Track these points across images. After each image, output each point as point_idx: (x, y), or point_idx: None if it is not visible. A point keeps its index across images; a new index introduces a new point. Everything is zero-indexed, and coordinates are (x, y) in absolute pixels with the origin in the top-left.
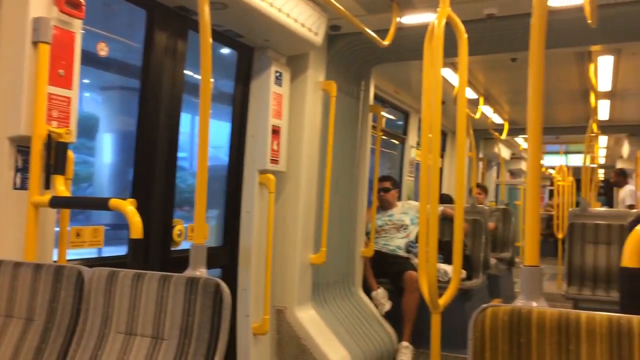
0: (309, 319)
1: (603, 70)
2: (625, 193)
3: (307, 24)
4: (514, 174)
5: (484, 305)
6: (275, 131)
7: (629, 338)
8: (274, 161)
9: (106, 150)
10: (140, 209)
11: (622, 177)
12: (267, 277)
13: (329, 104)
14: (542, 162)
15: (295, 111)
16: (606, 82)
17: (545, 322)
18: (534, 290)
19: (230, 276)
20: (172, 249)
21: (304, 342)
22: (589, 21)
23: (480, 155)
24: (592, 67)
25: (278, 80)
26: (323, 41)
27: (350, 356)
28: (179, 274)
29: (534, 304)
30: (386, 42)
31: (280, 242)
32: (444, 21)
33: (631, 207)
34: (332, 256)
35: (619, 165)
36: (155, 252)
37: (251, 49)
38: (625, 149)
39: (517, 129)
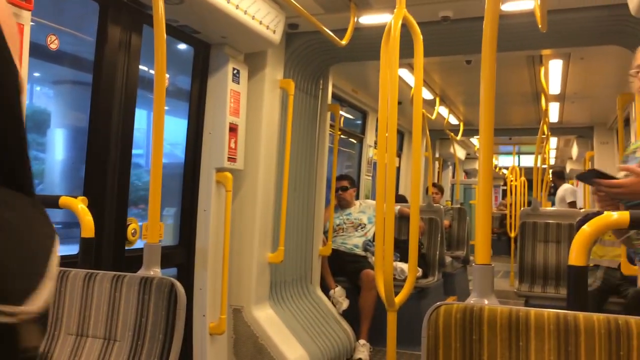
0: (266, 318)
1: (553, 73)
2: (564, 191)
3: (264, 21)
4: (469, 173)
5: (438, 303)
6: (233, 129)
7: (576, 334)
8: (232, 159)
9: (58, 146)
10: (92, 207)
11: (557, 178)
12: (224, 276)
13: (287, 102)
14: (496, 162)
15: (253, 109)
16: (556, 86)
17: (496, 319)
18: (486, 288)
19: (187, 275)
20: (127, 248)
21: (261, 341)
22: (539, 26)
23: (437, 155)
24: (542, 70)
25: (236, 77)
26: (281, 39)
27: (308, 355)
28: (132, 274)
29: (486, 301)
30: (344, 42)
31: (238, 241)
32: (400, 22)
33: (572, 204)
34: (290, 255)
35: (569, 166)
36: (108, 251)
37: (208, 46)
38: (574, 151)
39: (471, 130)
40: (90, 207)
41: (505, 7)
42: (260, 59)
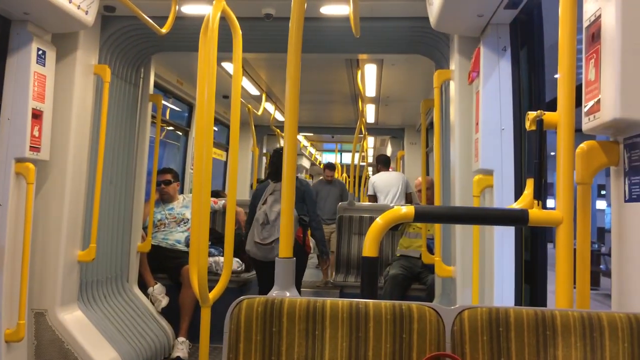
0: (74, 320)
1: (369, 77)
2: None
3: (75, 0)
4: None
5: (241, 297)
6: (37, 115)
7: (366, 320)
8: (35, 149)
9: None
10: None
11: (383, 165)
12: (23, 277)
13: (102, 90)
14: (320, 158)
15: (61, 95)
16: (372, 89)
17: (295, 310)
18: (287, 280)
19: None
20: None
21: (67, 346)
22: (354, 31)
23: (264, 151)
24: (359, 73)
25: (41, 59)
26: (95, 21)
27: (120, 356)
28: None
29: (287, 293)
30: (164, 30)
31: (41, 239)
32: (219, 15)
33: (372, 197)
34: (104, 252)
35: None
36: None
37: (8, 22)
38: (389, 150)
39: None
40: None
41: (325, 11)
42: (71, 41)
